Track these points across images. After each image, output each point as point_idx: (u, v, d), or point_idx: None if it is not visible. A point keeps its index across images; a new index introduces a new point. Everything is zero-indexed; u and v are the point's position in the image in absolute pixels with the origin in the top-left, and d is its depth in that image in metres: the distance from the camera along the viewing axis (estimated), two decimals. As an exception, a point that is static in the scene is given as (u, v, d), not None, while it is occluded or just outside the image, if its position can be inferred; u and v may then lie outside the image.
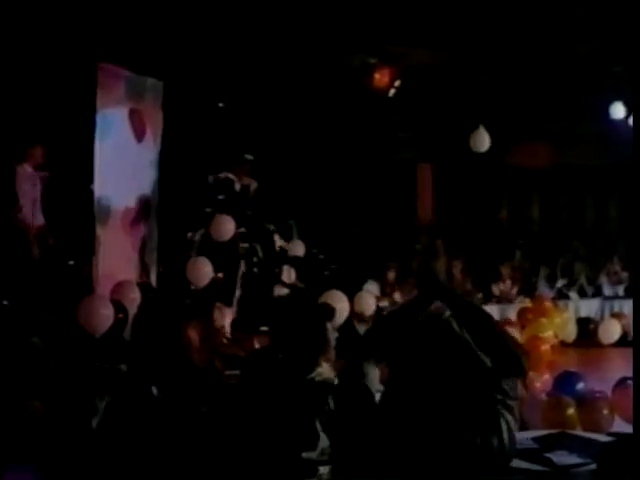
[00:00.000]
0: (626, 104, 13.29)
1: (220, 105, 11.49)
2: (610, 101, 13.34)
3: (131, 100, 9.82)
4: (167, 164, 10.35)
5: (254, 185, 10.45)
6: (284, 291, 9.63)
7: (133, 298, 8.48)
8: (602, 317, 12.42)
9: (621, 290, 13.24)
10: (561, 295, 12.83)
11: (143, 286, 9.07)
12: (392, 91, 11.75)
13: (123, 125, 9.74)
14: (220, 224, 9.84)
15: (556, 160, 15.33)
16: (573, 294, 12.94)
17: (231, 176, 10.20)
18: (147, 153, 10.20)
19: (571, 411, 6.46)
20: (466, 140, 11.33)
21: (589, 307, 12.70)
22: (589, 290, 13.12)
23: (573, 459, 4.79)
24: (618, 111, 13.42)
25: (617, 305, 12.60)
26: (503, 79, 11.99)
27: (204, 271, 9.57)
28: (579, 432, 5.73)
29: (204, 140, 10.82)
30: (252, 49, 10.59)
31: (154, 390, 4.46)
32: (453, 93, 12.24)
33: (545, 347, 8.50)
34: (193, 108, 10.83)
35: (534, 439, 5.04)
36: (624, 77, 11.99)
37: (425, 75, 11.87)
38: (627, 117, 13.40)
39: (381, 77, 11.61)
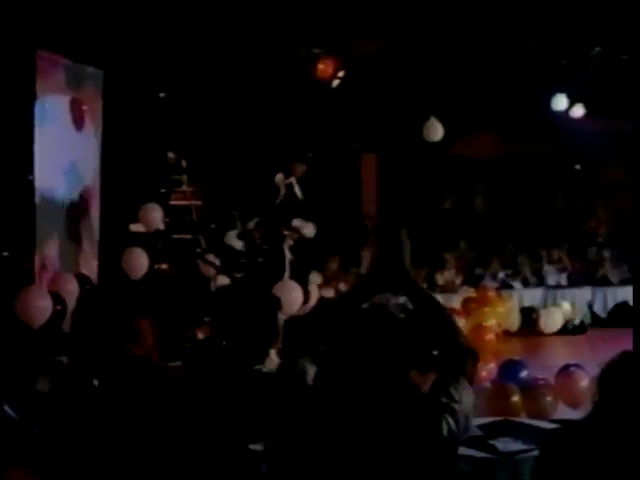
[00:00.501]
0: (569, 96, 13.41)
1: (161, 95, 11.37)
2: (553, 93, 13.45)
3: (71, 88, 9.66)
4: (108, 154, 10.20)
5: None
6: (225, 281, 9.53)
7: (71, 290, 8.37)
8: (545, 306, 12.56)
9: (564, 279, 13.38)
10: (505, 285, 12.93)
11: (81, 278, 8.94)
12: (336, 82, 11.69)
13: (63, 114, 9.58)
14: (148, 213, 9.71)
15: (501, 151, 15.45)
16: (517, 284, 13.04)
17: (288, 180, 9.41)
18: (87, 142, 10.04)
19: (516, 398, 6.54)
20: (412, 130, 11.36)
21: (532, 296, 12.82)
22: (532, 280, 13.22)
23: (517, 445, 4.83)
24: (560, 103, 13.53)
25: (560, 294, 12.73)
26: (448, 70, 12.01)
27: (140, 263, 9.46)
28: (523, 419, 5.78)
29: (145, 130, 10.69)
30: (194, 37, 10.47)
31: (95, 382, 4.39)
32: (398, 84, 12.24)
33: (489, 336, 8.59)
34: (134, 97, 10.69)
35: (479, 426, 5.06)
36: (567, 69, 12.11)
37: (370, 66, 11.85)
38: (569, 109, 13.54)
39: (325, 68, 11.54)
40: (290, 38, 10.89)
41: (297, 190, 8.88)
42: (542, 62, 11.96)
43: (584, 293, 13.04)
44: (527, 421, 5.61)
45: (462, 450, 4.44)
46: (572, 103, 13.53)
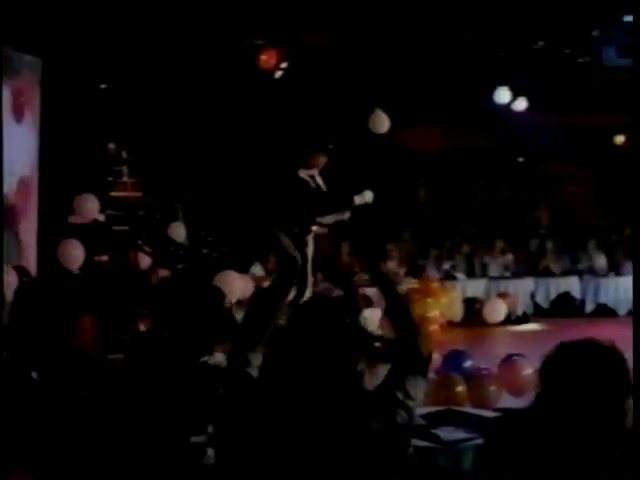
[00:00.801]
0: (512, 89, 13.52)
1: (102, 87, 11.21)
2: (496, 86, 13.55)
3: (7, 77, 9.44)
4: (47, 145, 10.02)
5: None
6: (166, 273, 9.44)
7: (10, 282, 8.19)
8: (488, 297, 12.64)
9: (507, 270, 13.48)
10: (448, 276, 12.98)
11: (20, 270, 8.77)
12: (279, 73, 11.62)
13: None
14: (82, 204, 9.57)
15: (445, 143, 15.51)
16: (460, 274, 13.10)
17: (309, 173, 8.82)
18: (26, 133, 9.84)
19: (460, 388, 6.56)
20: (356, 122, 11.32)
21: (475, 287, 12.89)
22: (476, 271, 13.30)
23: (459, 434, 4.86)
24: (503, 96, 13.64)
25: (503, 285, 12.82)
26: (391, 63, 12.02)
27: (75, 254, 9.32)
28: (465, 408, 5.80)
29: (85, 120, 10.53)
30: (135, 27, 10.33)
31: (34, 375, 4.31)
32: (342, 76, 12.21)
33: (432, 327, 8.62)
34: (73, 87, 10.52)
35: (422, 416, 5.06)
36: (510, 63, 12.20)
37: (313, 58, 11.80)
38: (512, 102, 13.65)
39: (267, 59, 11.46)
40: (233, 29, 10.80)
41: (320, 181, 8.80)
42: (485, 55, 12.04)
43: (527, 284, 13.15)
44: (469, 410, 5.64)
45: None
46: (515, 96, 13.65)
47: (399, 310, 3.34)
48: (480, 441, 4.74)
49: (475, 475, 4.27)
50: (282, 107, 12.80)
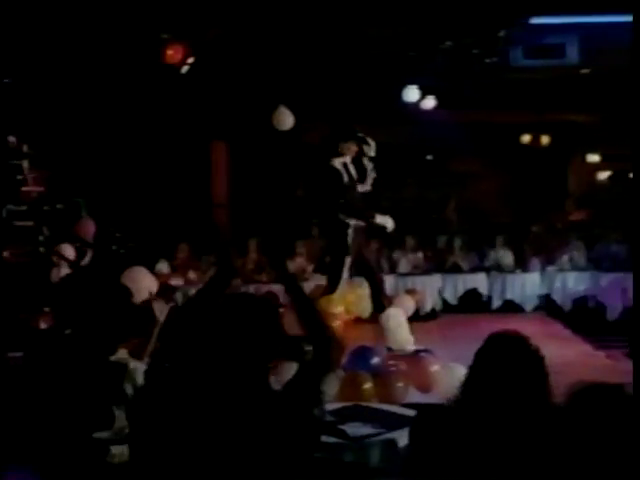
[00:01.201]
0: (420, 88, 13.63)
1: (5, 81, 10.90)
2: (405, 84, 13.64)
3: None
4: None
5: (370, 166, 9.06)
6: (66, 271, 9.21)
7: None
8: (397, 293, 12.68)
9: (415, 267, 13.55)
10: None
11: None
12: (185, 68, 11.43)
13: None
14: None
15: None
16: (369, 271, 13.09)
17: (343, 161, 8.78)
18: None
19: (367, 385, 6.52)
20: (263, 118, 11.24)
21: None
22: (385, 267, 13.33)
23: (366, 429, 4.84)
24: (412, 94, 13.73)
25: (411, 282, 12.88)
26: (301, 60, 11.99)
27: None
28: (373, 404, 5.78)
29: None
30: (39, 20, 10.07)
31: None
32: (249, 71, 12.12)
33: (336, 323, 8.56)
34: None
35: (329, 412, 5.02)
36: (418, 62, 12.28)
37: (219, 53, 11.67)
38: (420, 100, 13.76)
39: (173, 53, 11.26)
40: (138, 22, 10.61)
41: (352, 170, 8.71)
42: (395, 54, 12.10)
43: (435, 280, 13.24)
44: (377, 405, 5.62)
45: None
46: (424, 95, 13.75)
47: (306, 307, 3.30)
48: (388, 436, 4.76)
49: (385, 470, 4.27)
50: (188, 102, 12.66)
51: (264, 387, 3.00)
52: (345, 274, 8.72)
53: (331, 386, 3.02)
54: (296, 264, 12.28)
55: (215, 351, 3.03)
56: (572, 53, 11.24)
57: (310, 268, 11.89)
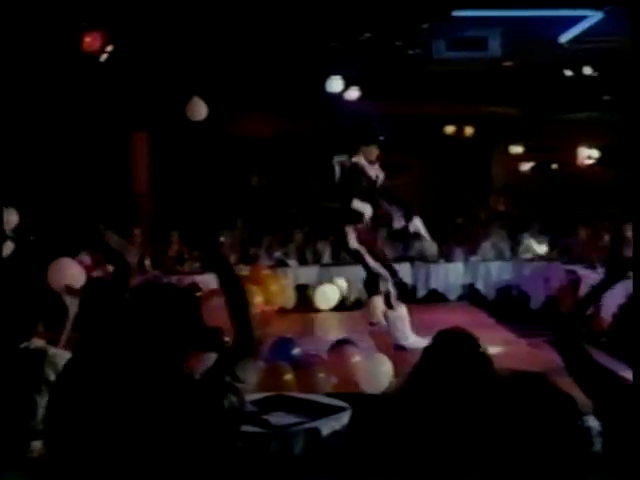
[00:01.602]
0: (344, 79, 13.65)
1: None
2: (328, 75, 13.65)
3: None
4: None
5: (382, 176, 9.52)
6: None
7: None
8: (320, 283, 12.71)
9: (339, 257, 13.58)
10: (281, 263, 12.95)
11: None
12: (104, 56, 11.21)
13: None
14: None
15: (279, 131, 15.54)
16: (292, 262, 13.09)
17: (362, 162, 9.30)
18: None
19: (288, 377, 6.52)
20: (184, 109, 11.14)
21: (308, 274, 12.92)
22: (308, 258, 13.33)
23: (290, 419, 4.85)
24: (336, 85, 13.75)
25: (335, 272, 12.89)
26: (224, 50, 11.88)
27: None
28: (296, 393, 5.77)
29: None
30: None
31: None
32: (170, 61, 11.97)
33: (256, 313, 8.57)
34: None
35: (251, 402, 5.00)
36: (341, 52, 12.28)
37: (139, 41, 11.48)
38: (344, 91, 13.79)
39: (92, 41, 11.02)
40: (56, 9, 10.38)
41: (373, 172, 9.13)
42: (319, 44, 12.07)
43: (359, 270, 13.22)
44: (300, 395, 5.61)
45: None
46: (347, 85, 13.78)
47: (237, 295, 3.27)
48: (311, 425, 4.77)
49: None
50: (108, 91, 12.46)
51: (180, 376, 2.97)
52: (371, 262, 9.58)
53: (250, 375, 2.99)
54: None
55: (131, 340, 2.98)
56: (494, 46, 11.34)
57: (234, 258, 11.81)
